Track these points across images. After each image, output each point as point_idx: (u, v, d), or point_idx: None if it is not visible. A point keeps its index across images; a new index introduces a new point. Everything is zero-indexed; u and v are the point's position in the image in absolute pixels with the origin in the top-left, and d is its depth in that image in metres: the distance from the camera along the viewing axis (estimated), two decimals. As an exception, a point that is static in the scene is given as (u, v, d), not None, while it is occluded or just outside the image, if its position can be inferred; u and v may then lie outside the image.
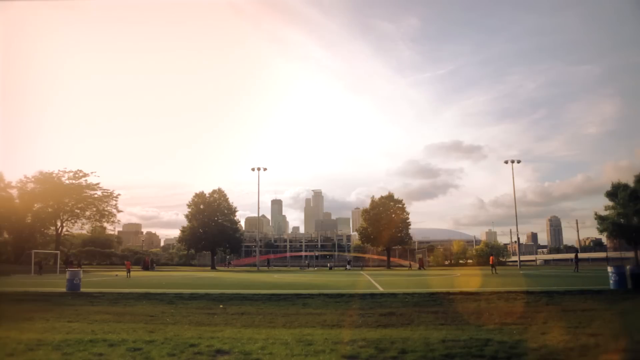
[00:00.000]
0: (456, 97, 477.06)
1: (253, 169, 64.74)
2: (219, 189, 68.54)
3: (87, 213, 62.40)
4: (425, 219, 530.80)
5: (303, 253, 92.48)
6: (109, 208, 63.69)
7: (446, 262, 79.10)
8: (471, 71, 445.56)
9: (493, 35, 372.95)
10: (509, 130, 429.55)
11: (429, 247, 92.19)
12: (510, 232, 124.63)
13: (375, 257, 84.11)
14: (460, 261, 76.71)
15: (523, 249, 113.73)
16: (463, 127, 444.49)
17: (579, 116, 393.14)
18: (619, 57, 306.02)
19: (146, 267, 56.82)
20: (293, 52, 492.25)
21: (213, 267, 65.39)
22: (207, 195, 67.37)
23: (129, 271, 36.01)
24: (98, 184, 61.99)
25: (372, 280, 25.67)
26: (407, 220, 68.56)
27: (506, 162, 62.58)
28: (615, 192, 56.21)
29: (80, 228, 66.04)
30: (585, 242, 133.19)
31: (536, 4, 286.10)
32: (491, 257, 43.03)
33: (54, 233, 60.69)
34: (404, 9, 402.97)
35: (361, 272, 45.94)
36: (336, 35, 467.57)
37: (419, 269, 56.40)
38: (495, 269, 37.90)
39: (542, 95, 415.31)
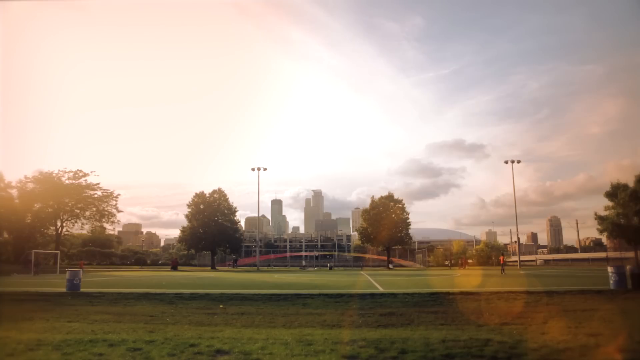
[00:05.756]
0: (459, 96, 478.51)
1: (253, 169, 64.86)
2: (219, 189, 68.56)
3: (87, 213, 62.34)
4: (426, 219, 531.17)
5: (303, 253, 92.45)
6: (108, 208, 63.67)
7: (446, 262, 79.18)
8: (474, 71, 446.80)
9: (497, 35, 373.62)
10: (511, 129, 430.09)
11: (429, 247, 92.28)
12: (510, 232, 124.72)
13: (375, 257, 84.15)
14: (461, 260, 76.77)
15: (523, 249, 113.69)
16: (466, 127, 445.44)
17: (582, 116, 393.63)
18: (622, 57, 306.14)
19: (174, 267, 58.71)
20: (296, 51, 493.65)
21: (213, 267, 65.38)
22: (207, 195, 67.33)
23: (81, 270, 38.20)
24: (98, 184, 62.05)
25: (372, 280, 25.66)
26: (407, 220, 68.60)
27: (506, 162, 62.71)
28: (615, 192, 56.18)
29: (80, 228, 66.05)
30: (585, 242, 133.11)
31: (540, 4, 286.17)
32: (502, 257, 43.24)
33: (54, 233, 60.67)
34: (409, 9, 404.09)
35: (361, 272, 45.93)
36: (340, 34, 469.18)
37: (461, 267, 57.19)
38: (504, 269, 37.84)
39: (545, 95, 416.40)
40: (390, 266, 61.34)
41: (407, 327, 7.77)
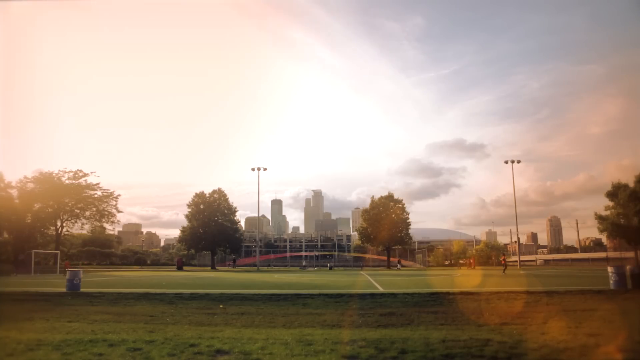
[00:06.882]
0: (460, 96, 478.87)
1: (253, 169, 64.89)
2: (219, 189, 68.58)
3: (87, 213, 62.30)
4: (426, 219, 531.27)
5: (303, 253, 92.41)
6: (108, 208, 63.65)
7: (446, 262, 79.23)
8: (475, 71, 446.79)
9: (497, 35, 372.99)
10: (512, 129, 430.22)
11: (429, 247, 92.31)
12: (510, 232, 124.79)
13: (376, 257, 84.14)
14: (461, 261, 76.85)
15: (523, 249, 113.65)
16: (466, 126, 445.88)
17: (582, 116, 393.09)
18: (622, 57, 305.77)
19: (180, 267, 58.90)
20: (297, 51, 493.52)
21: (213, 267, 65.39)
22: (207, 195, 67.34)
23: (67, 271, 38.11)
24: (98, 184, 61.96)
25: (372, 280, 25.66)
26: (407, 220, 68.64)
27: (506, 162, 62.75)
28: (616, 192, 56.19)
29: (80, 228, 65.96)
30: (585, 242, 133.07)
31: (540, 4, 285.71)
32: (503, 257, 43.46)
33: (54, 233, 60.67)
34: (409, 9, 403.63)
35: (361, 272, 45.92)
36: (341, 34, 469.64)
37: (469, 267, 57.38)
38: (505, 269, 37.80)
39: (546, 94, 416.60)
40: (398, 266, 60.49)
41: (407, 327, 7.77)
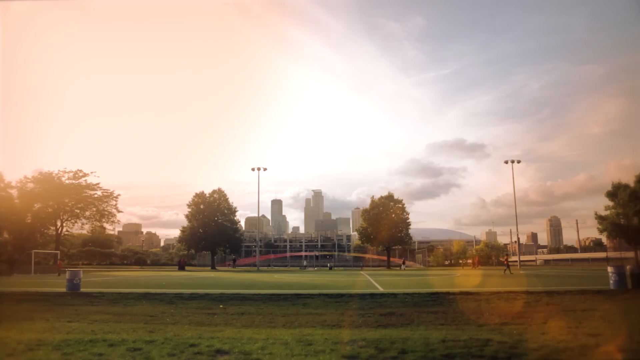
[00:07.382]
0: (460, 96, 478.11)
1: (253, 169, 64.81)
2: (219, 189, 68.57)
3: (87, 213, 62.35)
4: (426, 219, 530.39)
5: (303, 253, 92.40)
6: (108, 208, 63.67)
7: (446, 262, 79.28)
8: (475, 71, 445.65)
9: (497, 35, 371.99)
10: (512, 130, 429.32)
11: (429, 247, 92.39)
12: (510, 232, 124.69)
13: (376, 257, 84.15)
14: (460, 260, 76.86)
15: (523, 249, 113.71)
16: (466, 126, 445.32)
17: (583, 116, 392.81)
18: (623, 56, 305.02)
19: (182, 267, 58.83)
20: (297, 51, 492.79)
21: (213, 267, 65.40)
22: (207, 195, 67.34)
23: (60, 271, 39.07)
24: (98, 184, 62.00)
25: (372, 280, 25.66)
26: (407, 220, 68.63)
27: (506, 162, 62.68)
28: (616, 192, 56.23)
29: (80, 228, 66.01)
30: (585, 242, 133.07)
31: (541, 4, 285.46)
32: (506, 257, 43.61)
33: (54, 233, 60.66)
34: (410, 9, 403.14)
35: (361, 272, 45.93)
36: (341, 34, 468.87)
37: (473, 267, 56.92)
38: (506, 270, 37.65)
39: (546, 95, 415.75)
40: (402, 267, 59.82)
41: (407, 327, 7.77)
